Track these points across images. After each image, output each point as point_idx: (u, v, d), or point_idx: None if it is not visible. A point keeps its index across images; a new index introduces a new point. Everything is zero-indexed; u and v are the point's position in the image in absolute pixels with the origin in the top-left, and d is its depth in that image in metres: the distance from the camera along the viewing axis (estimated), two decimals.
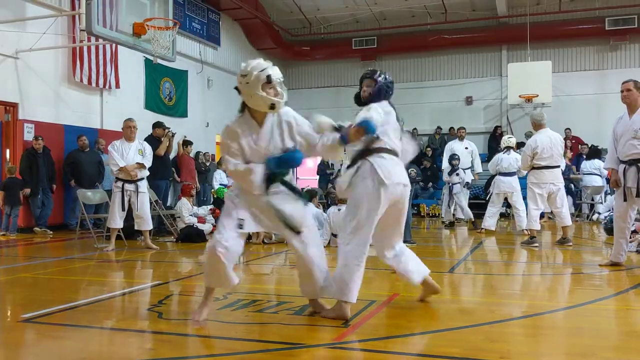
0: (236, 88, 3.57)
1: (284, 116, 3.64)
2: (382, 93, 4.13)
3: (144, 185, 7.89)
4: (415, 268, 4.23)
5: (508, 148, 10.16)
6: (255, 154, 3.58)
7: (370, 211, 3.83)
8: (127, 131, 7.89)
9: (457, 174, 11.27)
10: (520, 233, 9.58)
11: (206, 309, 3.74)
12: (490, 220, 10.14)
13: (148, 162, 7.94)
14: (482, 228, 10.13)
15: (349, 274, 3.81)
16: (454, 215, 11.66)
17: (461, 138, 12.10)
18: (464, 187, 11.29)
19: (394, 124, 4.08)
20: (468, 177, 11.60)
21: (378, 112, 3.90)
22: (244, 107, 3.62)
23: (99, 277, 5.96)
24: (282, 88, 3.53)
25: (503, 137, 10.86)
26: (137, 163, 7.78)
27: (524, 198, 9.27)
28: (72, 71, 11.34)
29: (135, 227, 8.05)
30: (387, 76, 4.20)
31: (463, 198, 11.32)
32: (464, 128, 12.55)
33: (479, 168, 11.96)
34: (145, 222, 7.87)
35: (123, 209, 7.73)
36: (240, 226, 3.56)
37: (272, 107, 3.49)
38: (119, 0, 9.25)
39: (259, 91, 3.44)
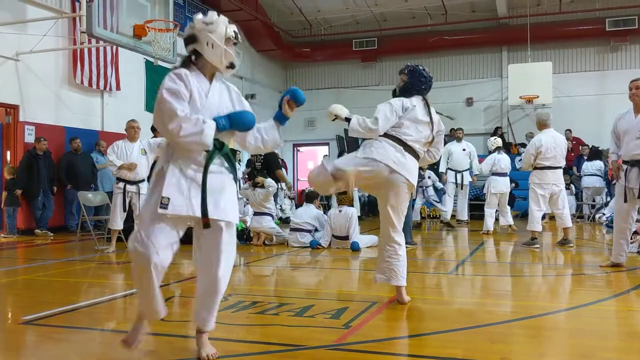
0: (190, 36, 3.04)
1: (231, 86, 3.20)
2: (412, 88, 4.40)
3: (145, 187, 7.89)
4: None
5: (499, 148, 10.32)
6: (205, 109, 2.97)
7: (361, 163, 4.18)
8: (131, 131, 7.88)
9: (429, 177, 11.81)
10: (506, 230, 10.08)
11: (140, 334, 3.11)
12: (491, 220, 10.19)
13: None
14: (487, 230, 10.18)
15: None
16: (453, 216, 11.80)
17: (458, 139, 12.09)
18: (437, 190, 11.72)
19: (413, 119, 4.27)
20: (466, 178, 11.69)
21: (388, 106, 4.22)
22: (188, 60, 3.09)
23: (100, 279, 5.96)
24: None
25: (490, 140, 10.88)
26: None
27: (524, 199, 9.30)
28: (72, 73, 11.35)
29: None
30: (421, 72, 4.45)
31: (448, 197, 11.74)
32: (461, 129, 12.54)
33: (477, 170, 12.00)
34: None
35: (124, 210, 7.73)
36: (164, 205, 2.84)
37: (232, 66, 3.08)
38: (120, 2, 9.27)
39: (223, 44, 3.03)
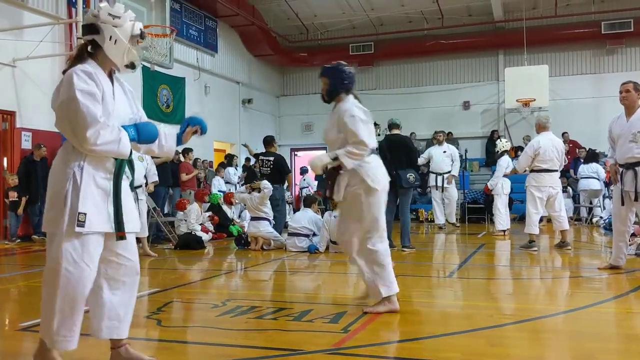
0: (90, 26, 2.79)
1: (125, 84, 2.97)
2: (338, 89, 4.24)
3: (141, 193, 7.88)
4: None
5: (506, 151, 10.34)
6: (114, 113, 2.77)
7: (376, 213, 4.13)
8: None
9: None
10: (500, 233, 10.19)
11: None
12: (507, 220, 10.29)
13: (155, 176, 8.16)
14: (504, 230, 10.24)
15: (387, 270, 4.14)
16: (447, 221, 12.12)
17: (440, 142, 12.14)
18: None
19: (370, 122, 4.21)
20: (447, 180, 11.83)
21: (358, 120, 4.07)
22: (84, 51, 2.81)
23: None
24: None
25: (500, 141, 10.83)
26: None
27: (522, 202, 9.32)
28: None
29: None
30: (341, 69, 4.27)
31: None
32: (443, 132, 12.61)
33: (455, 171, 12.08)
34: (141, 229, 7.84)
35: None
36: (81, 223, 2.63)
37: (132, 66, 2.89)
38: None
39: (128, 42, 2.84)
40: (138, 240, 8.04)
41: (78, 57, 2.79)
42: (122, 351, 2.93)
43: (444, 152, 11.94)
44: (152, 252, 7.99)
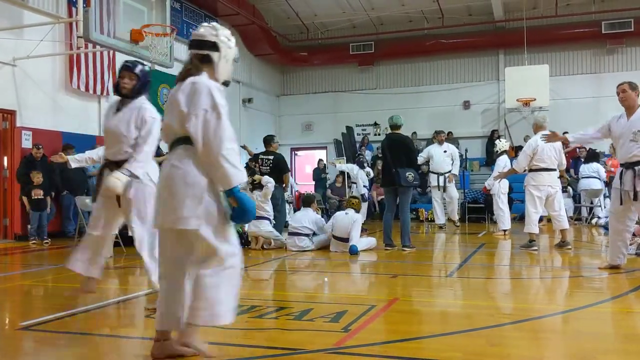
0: (210, 42, 3.12)
1: None
2: (145, 88, 4.33)
3: None
4: None
5: (505, 151, 10.32)
6: None
7: None
8: None
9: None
10: (500, 233, 10.19)
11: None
12: (508, 219, 10.30)
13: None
14: (505, 230, 10.24)
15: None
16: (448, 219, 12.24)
17: (440, 142, 12.15)
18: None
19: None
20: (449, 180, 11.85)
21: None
22: (200, 65, 3.12)
23: (97, 284, 5.93)
24: None
25: (499, 142, 10.80)
26: None
27: (522, 202, 9.33)
28: (69, 78, 11.34)
29: (129, 234, 7.99)
30: (148, 71, 4.40)
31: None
32: (443, 132, 12.61)
33: (456, 170, 12.06)
34: None
35: None
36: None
37: (227, 84, 3.20)
38: (117, 7, 9.26)
39: (231, 62, 3.19)
40: None
41: (195, 69, 3.09)
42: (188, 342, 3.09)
43: (444, 151, 11.95)
44: None
